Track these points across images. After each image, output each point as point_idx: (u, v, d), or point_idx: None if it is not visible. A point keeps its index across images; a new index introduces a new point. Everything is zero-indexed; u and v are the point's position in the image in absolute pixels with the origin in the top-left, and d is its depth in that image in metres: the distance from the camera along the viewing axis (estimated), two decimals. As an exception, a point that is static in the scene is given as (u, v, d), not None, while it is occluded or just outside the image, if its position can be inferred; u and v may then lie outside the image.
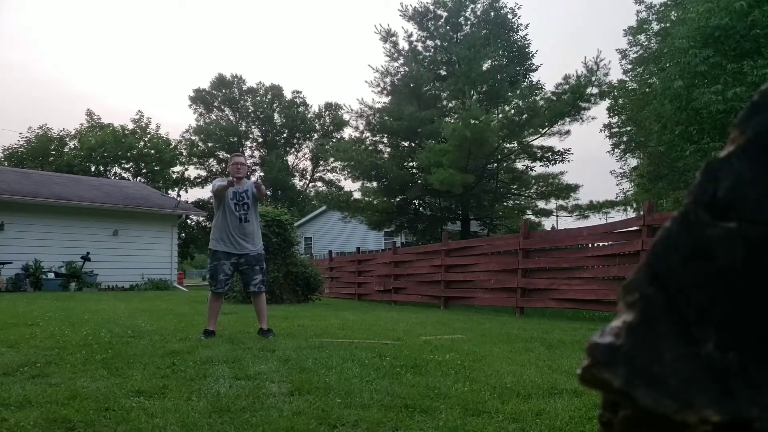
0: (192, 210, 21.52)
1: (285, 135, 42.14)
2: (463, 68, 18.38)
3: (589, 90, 17.20)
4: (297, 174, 42.85)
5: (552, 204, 20.59)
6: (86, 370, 3.31)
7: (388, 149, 21.33)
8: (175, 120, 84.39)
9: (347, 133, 28.56)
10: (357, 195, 21.41)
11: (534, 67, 21.03)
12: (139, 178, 33.41)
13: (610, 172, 28.16)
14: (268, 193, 5.77)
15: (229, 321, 6.31)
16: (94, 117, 35.76)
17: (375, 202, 20.36)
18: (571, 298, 7.93)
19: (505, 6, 20.28)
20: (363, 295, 13.92)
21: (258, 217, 5.45)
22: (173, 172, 36.31)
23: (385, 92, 20.71)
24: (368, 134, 21.28)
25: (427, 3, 20.07)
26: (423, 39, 20.61)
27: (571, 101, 17.14)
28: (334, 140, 31.84)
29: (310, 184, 43.04)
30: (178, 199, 21.22)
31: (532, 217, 20.89)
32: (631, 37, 19.47)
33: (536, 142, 19.48)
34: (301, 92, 43.32)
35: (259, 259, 5.27)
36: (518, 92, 18.75)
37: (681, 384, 0.46)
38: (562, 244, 8.91)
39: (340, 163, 24.17)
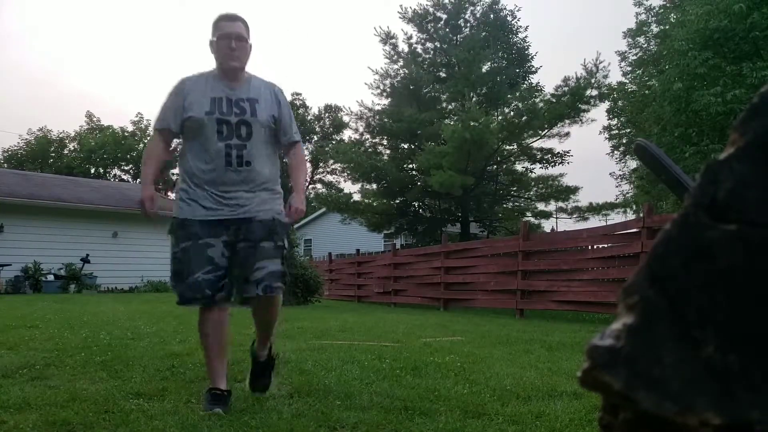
0: (191, 212, 21.51)
1: (285, 137, 42.14)
2: (462, 70, 18.40)
3: (588, 92, 17.23)
4: (297, 176, 42.85)
5: (552, 206, 20.63)
6: (85, 372, 3.30)
7: (388, 151, 21.35)
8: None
9: (347, 135, 28.62)
10: (357, 197, 21.44)
11: (533, 69, 21.07)
12: (138, 180, 33.43)
13: (610, 174, 28.22)
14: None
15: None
16: (93, 119, 35.85)
17: (374, 204, 20.37)
18: (571, 300, 7.94)
19: (505, 8, 20.33)
20: (363, 297, 13.92)
21: (274, 152, 2.79)
22: (173, 174, 36.33)
23: (384, 94, 20.73)
24: (368, 136, 21.30)
25: (426, 5, 20.11)
26: (422, 41, 20.64)
27: (570, 103, 17.17)
28: (333, 142, 31.86)
29: (310, 186, 43.08)
30: (178, 201, 21.16)
31: (532, 219, 20.90)
32: (631, 39, 19.52)
33: (536, 144, 19.51)
34: (300, 94, 43.36)
35: (274, 230, 2.62)
36: (518, 94, 18.77)
37: (682, 386, 0.46)
38: (562, 246, 8.92)
39: (339, 165, 24.21)
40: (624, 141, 20.39)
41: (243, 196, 2.59)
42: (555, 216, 22.35)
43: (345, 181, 36.04)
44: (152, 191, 2.65)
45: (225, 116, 2.57)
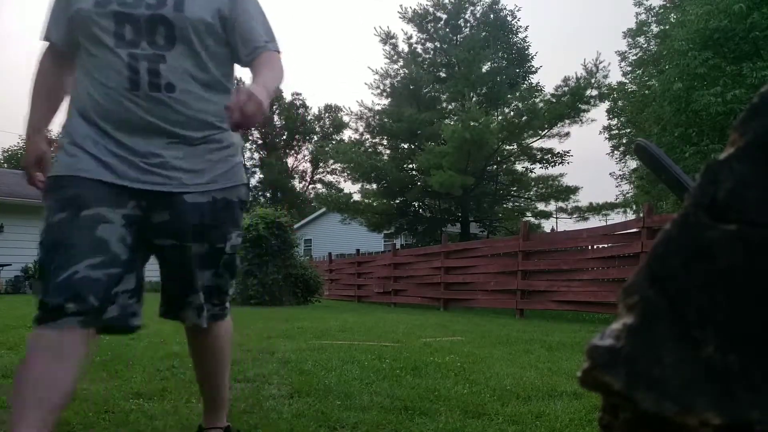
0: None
1: (285, 137, 42.17)
2: (462, 70, 18.41)
3: (588, 92, 17.24)
4: (297, 176, 42.92)
5: (552, 206, 20.64)
6: (85, 372, 3.30)
7: (388, 151, 21.36)
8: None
9: (347, 135, 28.62)
10: (357, 197, 21.44)
11: (533, 69, 21.08)
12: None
13: (610, 174, 28.28)
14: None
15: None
16: (93, 119, 35.82)
17: (374, 204, 20.38)
18: (571, 300, 7.94)
19: (505, 8, 20.34)
20: (363, 297, 13.92)
21: (223, 76, 1.59)
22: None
23: (384, 94, 20.74)
24: (368, 136, 21.31)
25: (426, 5, 20.12)
26: (422, 41, 20.65)
27: (570, 103, 17.18)
28: (333, 142, 31.87)
29: (310, 186, 43.07)
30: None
31: (532, 219, 20.91)
32: (631, 39, 19.53)
33: (536, 144, 19.52)
34: (300, 94, 43.42)
35: (217, 221, 1.56)
36: (518, 94, 18.78)
37: (682, 386, 0.46)
38: (562, 246, 8.91)
39: (339, 165, 24.20)
40: (624, 141, 20.39)
41: (162, 154, 1.50)
42: (555, 216, 22.36)
43: (345, 181, 36.10)
44: (41, 147, 1.60)
45: (127, 9, 1.47)
